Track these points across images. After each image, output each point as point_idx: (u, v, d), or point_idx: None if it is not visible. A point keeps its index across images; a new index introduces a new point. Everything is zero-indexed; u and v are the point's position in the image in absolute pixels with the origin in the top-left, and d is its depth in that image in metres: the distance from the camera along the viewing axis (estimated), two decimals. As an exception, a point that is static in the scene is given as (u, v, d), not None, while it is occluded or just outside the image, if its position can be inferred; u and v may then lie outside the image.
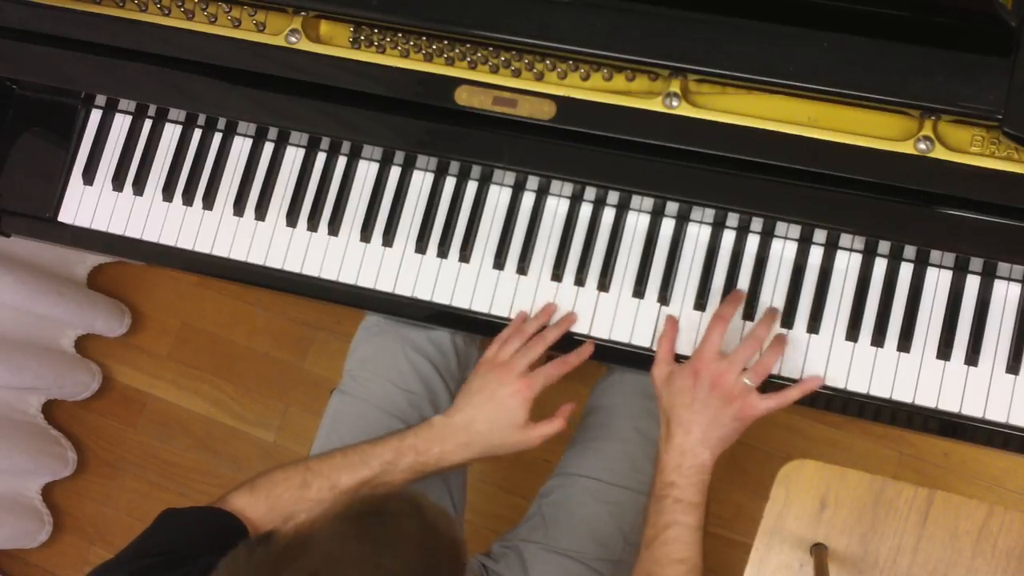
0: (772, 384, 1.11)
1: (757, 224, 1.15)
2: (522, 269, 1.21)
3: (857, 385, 1.12)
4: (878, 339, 1.12)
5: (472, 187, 1.24)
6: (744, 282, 1.16)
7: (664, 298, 1.17)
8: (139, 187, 1.32)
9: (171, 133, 1.33)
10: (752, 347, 1.08)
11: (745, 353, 1.07)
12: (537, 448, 1.15)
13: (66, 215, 1.34)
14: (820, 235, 1.14)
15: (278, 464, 1.13)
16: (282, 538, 0.70)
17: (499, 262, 1.21)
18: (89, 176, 1.34)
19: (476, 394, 1.14)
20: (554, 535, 1.23)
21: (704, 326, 1.15)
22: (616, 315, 1.18)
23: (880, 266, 1.13)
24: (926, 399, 1.11)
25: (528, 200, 1.22)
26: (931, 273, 1.12)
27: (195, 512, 1.03)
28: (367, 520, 0.74)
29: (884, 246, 1.12)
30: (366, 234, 1.25)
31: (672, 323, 1.14)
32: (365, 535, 0.72)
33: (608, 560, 1.21)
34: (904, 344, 1.12)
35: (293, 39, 1.20)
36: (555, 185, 1.19)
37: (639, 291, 1.18)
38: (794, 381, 1.12)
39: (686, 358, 1.15)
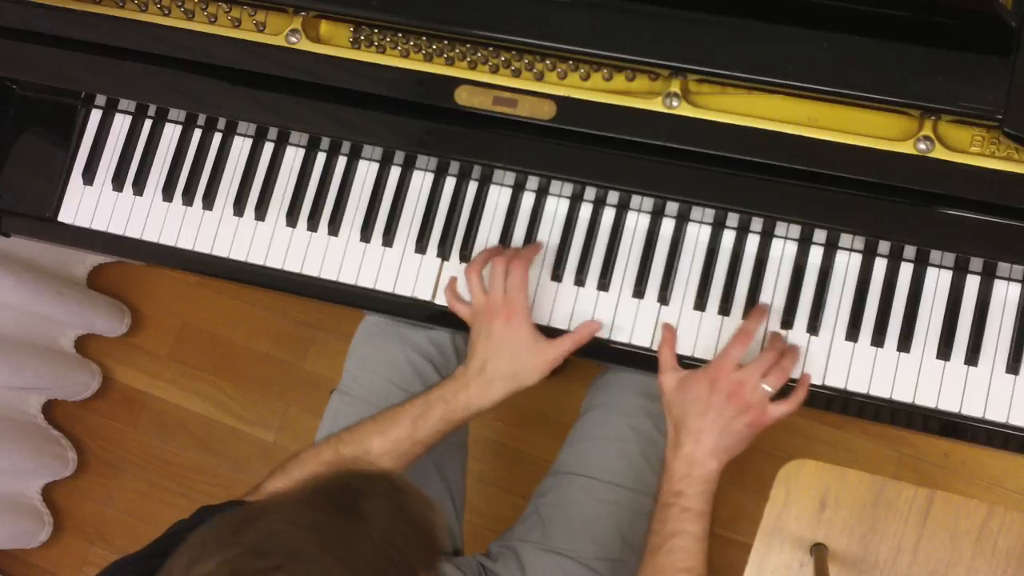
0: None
1: (757, 224, 1.15)
2: (522, 269, 1.21)
3: (857, 385, 1.12)
4: (878, 339, 1.12)
5: (472, 187, 1.23)
6: (744, 282, 1.16)
7: (664, 298, 1.17)
8: (139, 187, 1.32)
9: (171, 133, 1.33)
10: (771, 358, 1.08)
11: (766, 362, 1.07)
12: (544, 386, 1.15)
13: (66, 215, 1.34)
14: (820, 235, 1.14)
15: (311, 445, 1.13)
16: (250, 504, 0.71)
17: (499, 262, 1.21)
18: (89, 176, 1.34)
19: (476, 340, 1.15)
20: (551, 535, 1.23)
21: (704, 326, 1.16)
22: (616, 315, 1.18)
23: (880, 266, 1.13)
24: (926, 399, 1.11)
25: (528, 200, 1.22)
26: (931, 273, 1.12)
27: (222, 507, 1.03)
28: (333, 492, 0.74)
29: (884, 246, 1.12)
30: (366, 234, 1.25)
31: (669, 329, 1.14)
32: (328, 505, 0.72)
33: (606, 559, 1.21)
34: (904, 344, 1.12)
35: (293, 39, 1.19)
36: (555, 185, 1.19)
37: (639, 291, 1.18)
38: (792, 382, 1.12)
39: (685, 359, 1.15)
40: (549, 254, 1.20)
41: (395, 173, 1.26)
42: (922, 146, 1.04)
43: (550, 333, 1.18)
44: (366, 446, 1.11)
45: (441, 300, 1.22)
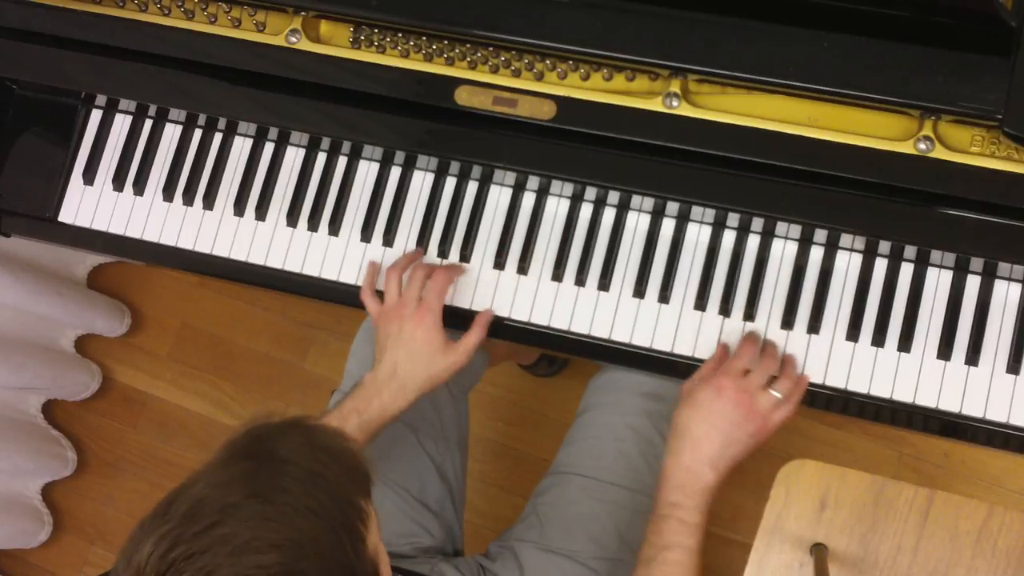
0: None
1: (757, 224, 1.15)
2: (522, 269, 1.21)
3: (857, 385, 1.12)
4: (878, 339, 1.12)
5: (472, 187, 1.23)
6: (745, 282, 1.16)
7: (665, 298, 1.17)
8: (139, 187, 1.32)
9: (171, 133, 1.33)
10: (771, 363, 1.08)
11: (768, 367, 1.08)
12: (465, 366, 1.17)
13: (66, 215, 1.34)
14: (820, 235, 1.14)
15: None
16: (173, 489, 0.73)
17: (499, 262, 1.21)
18: (89, 176, 1.34)
19: (385, 342, 1.15)
20: (550, 534, 1.23)
21: (704, 326, 1.16)
22: (616, 315, 1.18)
23: (880, 266, 1.13)
24: (926, 399, 1.11)
25: (528, 200, 1.22)
26: (931, 273, 1.12)
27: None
28: (247, 446, 0.75)
29: (884, 246, 1.12)
30: (367, 234, 1.25)
31: (723, 348, 1.13)
32: (244, 458, 0.73)
33: (604, 559, 1.21)
34: (904, 344, 1.12)
35: (293, 39, 1.19)
36: (555, 185, 1.19)
37: (639, 291, 1.18)
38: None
39: (685, 359, 1.15)
40: (549, 254, 1.20)
41: (395, 173, 1.26)
42: (922, 146, 1.04)
43: (550, 333, 1.18)
44: None
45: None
